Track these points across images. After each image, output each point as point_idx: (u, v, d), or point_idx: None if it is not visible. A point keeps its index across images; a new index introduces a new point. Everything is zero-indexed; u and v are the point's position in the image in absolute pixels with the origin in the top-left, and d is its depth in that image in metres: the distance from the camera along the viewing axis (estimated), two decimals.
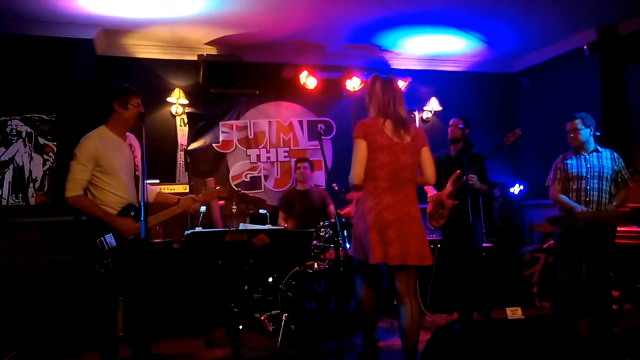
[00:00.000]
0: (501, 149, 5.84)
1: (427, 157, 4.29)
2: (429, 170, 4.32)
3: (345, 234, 5.98)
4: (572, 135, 5.37)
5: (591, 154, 5.31)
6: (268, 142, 7.72)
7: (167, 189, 6.50)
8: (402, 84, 7.89)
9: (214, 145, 7.51)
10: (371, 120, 4.26)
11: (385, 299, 6.97)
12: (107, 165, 4.25)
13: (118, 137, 4.42)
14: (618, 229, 5.32)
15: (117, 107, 4.36)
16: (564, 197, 5.35)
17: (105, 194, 4.27)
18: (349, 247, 5.24)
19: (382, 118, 4.21)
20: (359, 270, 4.41)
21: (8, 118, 6.46)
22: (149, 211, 4.02)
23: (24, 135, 6.49)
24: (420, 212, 4.26)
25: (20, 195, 6.43)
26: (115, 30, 6.87)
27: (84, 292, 5.87)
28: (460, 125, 5.99)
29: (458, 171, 5.85)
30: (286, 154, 7.81)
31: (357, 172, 4.16)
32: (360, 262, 4.29)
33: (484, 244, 6.67)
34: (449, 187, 6.00)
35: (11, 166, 6.45)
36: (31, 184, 6.47)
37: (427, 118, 8.54)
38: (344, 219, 5.91)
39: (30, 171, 6.48)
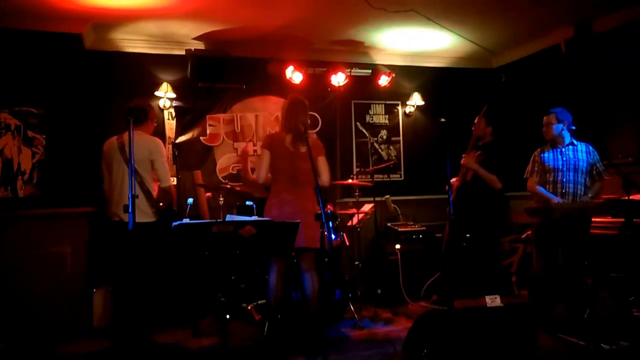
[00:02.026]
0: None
1: (322, 165, 5.08)
2: (324, 175, 5.06)
3: (331, 225, 6.04)
4: (544, 129, 5.46)
5: (567, 148, 5.38)
6: (255, 136, 7.72)
7: None
8: (385, 79, 7.92)
9: (201, 138, 7.50)
10: (275, 134, 5.30)
11: (369, 289, 7.05)
12: None
13: None
14: (593, 219, 5.39)
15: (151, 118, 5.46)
16: (541, 189, 5.41)
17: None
18: (334, 238, 5.78)
19: (285, 132, 5.11)
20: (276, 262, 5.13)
21: None
22: None
23: (12, 128, 6.46)
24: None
25: (9, 187, 6.40)
26: (104, 25, 6.82)
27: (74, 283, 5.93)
28: (481, 123, 6.44)
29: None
30: None
31: (259, 174, 5.07)
32: None
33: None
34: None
35: (0, 159, 6.41)
36: (20, 176, 6.43)
37: (409, 112, 8.58)
38: (329, 211, 6.03)
39: (19, 163, 6.44)
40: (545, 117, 5.46)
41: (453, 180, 6.48)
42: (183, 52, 7.34)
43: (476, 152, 6.22)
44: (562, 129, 5.36)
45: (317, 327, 5.11)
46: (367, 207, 6.92)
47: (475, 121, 6.47)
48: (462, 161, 6.24)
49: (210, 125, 7.55)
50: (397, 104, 8.56)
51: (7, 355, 5.25)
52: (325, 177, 5.05)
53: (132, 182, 4.02)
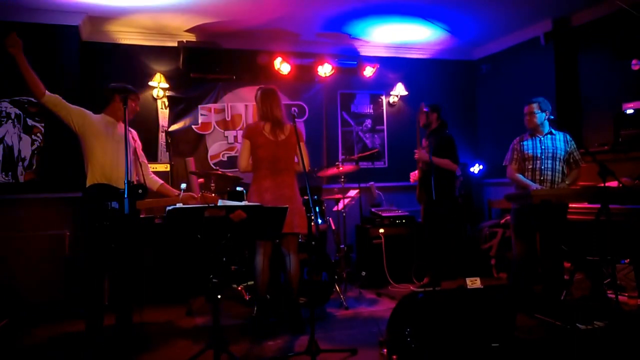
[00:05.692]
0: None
1: (303, 151, 4.81)
2: (304, 160, 4.82)
3: (317, 210, 6.03)
4: (527, 118, 5.40)
5: (546, 136, 5.33)
6: (244, 124, 7.63)
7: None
8: (370, 70, 7.89)
9: (193, 126, 7.44)
10: (254, 124, 5.16)
11: (354, 271, 7.01)
12: None
13: None
14: (570, 205, 5.36)
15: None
16: (520, 176, 5.37)
17: None
18: (321, 222, 5.75)
19: (263, 122, 5.04)
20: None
21: None
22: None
23: (13, 116, 6.42)
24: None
25: (10, 173, 6.35)
26: (99, 18, 6.75)
27: (72, 264, 5.88)
28: (424, 110, 6.47)
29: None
30: None
31: (241, 163, 5.06)
32: None
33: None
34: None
35: (1, 146, 6.36)
36: (20, 163, 6.39)
37: (393, 102, 8.51)
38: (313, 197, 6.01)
39: (20, 150, 6.40)
40: (527, 107, 5.39)
41: (413, 174, 6.66)
42: (175, 44, 7.30)
43: (426, 143, 6.43)
44: (545, 118, 5.31)
45: (298, 306, 5.09)
46: (352, 193, 6.87)
47: (420, 111, 6.51)
48: (415, 156, 6.42)
49: (201, 114, 7.48)
50: (382, 94, 8.49)
51: (10, 332, 5.22)
52: (305, 163, 4.91)
53: (127, 166, 3.94)
